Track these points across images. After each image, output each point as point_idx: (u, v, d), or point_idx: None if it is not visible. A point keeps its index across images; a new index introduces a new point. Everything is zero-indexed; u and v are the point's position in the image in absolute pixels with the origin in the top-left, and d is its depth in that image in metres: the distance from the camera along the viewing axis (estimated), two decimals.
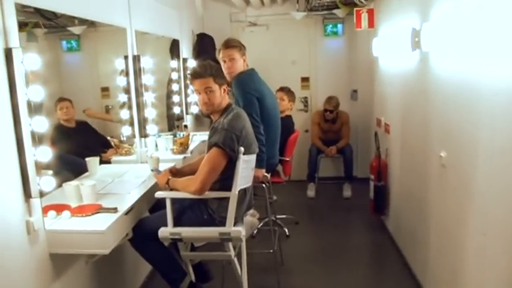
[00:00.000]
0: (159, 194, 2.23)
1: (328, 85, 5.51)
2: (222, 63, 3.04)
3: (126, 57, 3.07)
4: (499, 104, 1.82)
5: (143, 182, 2.59)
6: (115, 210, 2.05)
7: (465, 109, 2.17)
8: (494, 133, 1.89)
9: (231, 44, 3.03)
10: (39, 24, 3.49)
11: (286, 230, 4.07)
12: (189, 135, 3.47)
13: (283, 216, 4.30)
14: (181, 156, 3.27)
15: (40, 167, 1.79)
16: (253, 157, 2.33)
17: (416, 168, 3.04)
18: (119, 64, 3.11)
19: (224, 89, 2.32)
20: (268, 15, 5.44)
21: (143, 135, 3.22)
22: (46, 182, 1.81)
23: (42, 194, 1.80)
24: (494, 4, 1.84)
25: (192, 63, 4.62)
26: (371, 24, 4.27)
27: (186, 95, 4.60)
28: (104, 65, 4.12)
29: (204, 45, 5.04)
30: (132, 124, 3.15)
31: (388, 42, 3.77)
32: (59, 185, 2.44)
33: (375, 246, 3.92)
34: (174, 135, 3.64)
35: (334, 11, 4.87)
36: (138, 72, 3.10)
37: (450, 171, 2.40)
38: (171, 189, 2.27)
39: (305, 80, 5.65)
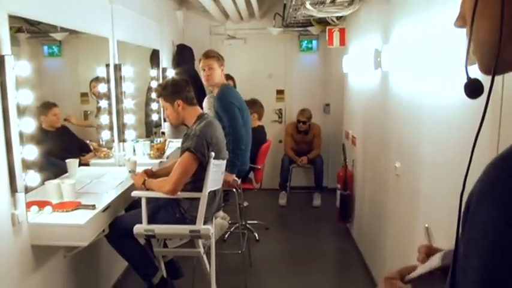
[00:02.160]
0: (135, 193, 2.41)
1: (302, 98, 5.77)
2: (201, 72, 3.30)
3: (107, 66, 3.24)
4: (439, 122, 2.08)
5: (120, 183, 2.76)
6: (93, 207, 2.22)
7: (414, 124, 2.42)
8: (437, 147, 2.14)
9: (210, 55, 3.30)
10: (23, 29, 3.64)
11: (256, 235, 4.26)
12: (165, 141, 3.65)
13: (254, 221, 4.49)
14: (157, 161, 3.44)
15: (26, 165, 1.95)
16: (222, 162, 2.54)
17: (377, 177, 3.29)
18: (101, 71, 3.27)
19: (178, 104, 2.54)
20: (246, 29, 5.69)
21: (121, 140, 3.38)
22: (31, 178, 1.97)
23: (27, 189, 1.96)
24: (438, 34, 2.10)
25: (171, 73, 4.81)
26: (342, 42, 4.56)
27: None
28: (84, 71, 4.25)
29: (183, 55, 5.24)
30: (111, 129, 3.31)
31: (356, 60, 4.04)
32: (41, 183, 2.60)
33: (339, 251, 4.15)
34: (152, 141, 3.81)
35: (309, 28, 5.15)
36: (118, 80, 3.28)
37: (403, 180, 2.65)
38: (147, 190, 2.45)
39: (280, 92, 5.91)
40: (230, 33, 5.74)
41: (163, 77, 4.71)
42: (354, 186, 4.16)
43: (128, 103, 3.40)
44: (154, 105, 4.60)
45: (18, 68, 1.90)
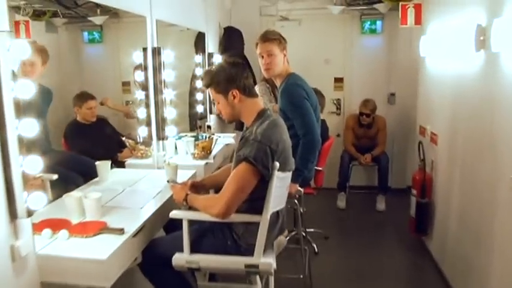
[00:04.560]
0: (174, 214, 1.86)
1: (363, 87, 5.08)
2: (259, 59, 2.68)
3: (144, 50, 2.73)
4: None
5: (159, 193, 2.24)
6: (121, 231, 1.70)
7: None
8: None
9: (269, 37, 2.62)
10: (58, 13, 3.23)
11: (315, 246, 3.68)
12: (212, 138, 3.11)
13: (312, 230, 3.91)
14: (202, 162, 2.92)
15: (28, 181, 1.45)
16: (288, 174, 1.95)
17: (477, 189, 2.60)
18: (137, 57, 2.76)
19: (234, 95, 1.92)
20: (301, 9, 5.05)
21: (161, 137, 2.87)
22: (35, 199, 1.46)
23: (30, 214, 1.46)
24: None
25: (218, 59, 4.26)
26: (418, 20, 3.85)
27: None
28: (125, 58, 3.87)
29: (231, 39, 4.69)
30: (149, 124, 2.81)
31: (439, 41, 3.32)
32: (64, 191, 2.14)
33: (415, 269, 3.49)
34: (196, 138, 3.29)
35: (376, 5, 4.43)
36: (157, 67, 2.76)
37: None
38: (190, 208, 1.90)
39: (339, 80, 5.23)
40: (283, 14, 5.11)
41: (210, 64, 4.18)
42: (433, 193, 3.48)
43: (169, 94, 2.87)
44: (199, 96, 4.09)
45: (17, 48, 1.39)
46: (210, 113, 4.32)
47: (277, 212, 1.92)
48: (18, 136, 1.39)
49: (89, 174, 2.57)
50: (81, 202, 1.86)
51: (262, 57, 2.66)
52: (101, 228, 1.72)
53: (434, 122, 3.53)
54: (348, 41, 5.14)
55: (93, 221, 1.80)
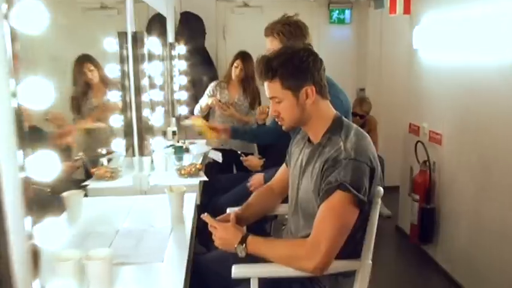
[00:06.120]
0: (240, 272, 1.23)
1: None
2: None
3: (121, 35, 2.03)
4: None
5: (171, 232, 1.61)
6: None
7: None
8: None
9: (275, 28, 2.06)
10: None
11: None
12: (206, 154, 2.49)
13: None
14: (195, 181, 2.30)
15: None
16: None
17: (502, 196, 2.33)
18: (110, 46, 2.06)
19: (307, 93, 1.35)
20: None
21: (143, 151, 2.18)
22: None
23: None
24: None
25: (182, 50, 3.59)
26: (407, 9, 3.53)
27: (172, 92, 3.56)
28: None
29: (190, 27, 4.02)
30: (129, 134, 2.12)
31: (444, 33, 3.01)
32: None
33: (421, 278, 3.19)
34: (175, 150, 2.65)
35: None
36: (138, 59, 2.08)
37: None
38: (247, 254, 1.29)
39: None
40: (243, 0, 4.55)
41: (171, 57, 3.49)
42: (438, 197, 3.18)
43: (157, 95, 2.21)
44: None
45: None
46: (173, 115, 3.63)
47: None
48: None
49: (45, 210, 1.84)
50: (80, 266, 1.19)
51: None
52: None
53: (434, 120, 3.22)
54: (315, 31, 4.69)
55: None
